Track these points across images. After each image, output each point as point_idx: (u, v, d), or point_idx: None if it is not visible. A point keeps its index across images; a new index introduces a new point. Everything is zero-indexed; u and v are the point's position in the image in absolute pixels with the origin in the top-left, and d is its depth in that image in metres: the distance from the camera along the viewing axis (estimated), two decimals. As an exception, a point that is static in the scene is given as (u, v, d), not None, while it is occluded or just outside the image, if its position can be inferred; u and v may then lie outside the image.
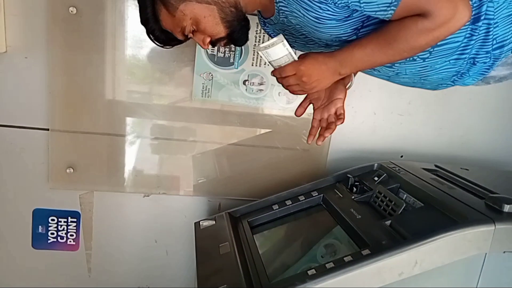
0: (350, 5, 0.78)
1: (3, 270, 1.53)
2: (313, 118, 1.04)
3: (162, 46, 0.98)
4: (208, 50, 1.38)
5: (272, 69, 0.94)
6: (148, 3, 0.89)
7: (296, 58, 0.90)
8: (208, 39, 0.92)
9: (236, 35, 0.93)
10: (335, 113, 1.02)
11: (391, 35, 0.80)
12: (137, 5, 0.92)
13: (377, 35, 0.82)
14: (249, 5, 0.91)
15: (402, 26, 0.78)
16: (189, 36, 0.93)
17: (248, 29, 0.96)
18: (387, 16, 0.79)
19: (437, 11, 0.75)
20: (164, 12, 0.89)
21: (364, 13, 0.80)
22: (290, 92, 0.94)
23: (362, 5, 0.77)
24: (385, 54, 0.82)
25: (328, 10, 0.80)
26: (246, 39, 0.96)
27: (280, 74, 0.91)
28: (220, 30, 0.90)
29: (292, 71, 0.89)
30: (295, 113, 1.05)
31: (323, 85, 0.91)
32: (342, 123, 1.00)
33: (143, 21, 0.92)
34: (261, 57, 0.91)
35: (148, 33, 0.94)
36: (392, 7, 0.76)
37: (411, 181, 1.17)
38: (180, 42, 0.97)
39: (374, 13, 0.79)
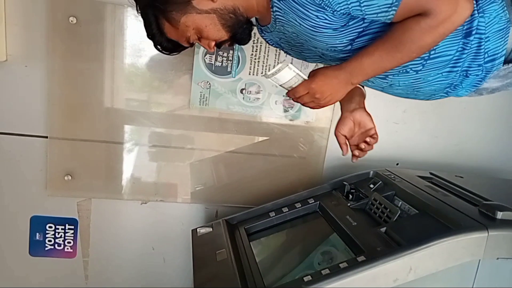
0: (351, 10, 0.79)
1: (0, 278, 1.52)
2: (341, 141, 1.04)
3: (169, 54, 1.01)
4: (206, 59, 1.41)
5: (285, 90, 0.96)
6: (152, 19, 0.91)
7: (305, 77, 0.91)
8: (213, 43, 0.94)
9: (239, 36, 0.95)
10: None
11: (396, 38, 0.81)
12: (136, 15, 0.94)
13: (383, 41, 0.83)
14: (248, 11, 0.93)
15: (405, 28, 0.79)
16: (194, 43, 0.96)
17: (251, 29, 0.98)
18: (388, 17, 0.79)
19: (437, 8, 0.75)
20: (167, 26, 0.91)
21: (366, 16, 0.80)
22: (310, 108, 0.96)
23: (363, 8, 0.78)
24: (393, 57, 0.83)
25: (326, 19, 0.82)
26: (249, 38, 0.98)
27: (293, 95, 0.93)
28: (223, 34, 0.93)
29: (304, 90, 0.91)
30: (342, 154, 1.05)
31: (337, 98, 0.92)
32: (376, 142, 1.02)
33: (150, 36, 0.95)
34: (271, 82, 0.94)
35: (155, 45, 0.97)
36: (393, 8, 0.77)
37: (406, 189, 1.18)
38: (187, 47, 0.99)
39: (375, 15, 0.79)
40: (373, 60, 0.84)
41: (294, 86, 0.93)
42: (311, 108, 0.96)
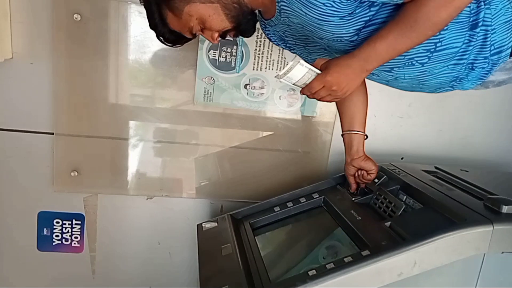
0: None
1: (9, 272, 1.54)
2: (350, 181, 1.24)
3: (172, 46, 1.00)
4: (209, 55, 1.40)
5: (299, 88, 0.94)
6: (154, 9, 0.90)
7: (318, 72, 0.89)
8: (216, 34, 0.93)
9: (243, 27, 0.94)
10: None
11: (410, 17, 0.78)
12: (140, 12, 0.94)
13: (396, 22, 0.80)
14: (252, 3, 0.92)
15: (419, 5, 0.77)
16: (197, 34, 0.95)
17: (255, 21, 0.96)
18: None
19: None
20: (170, 16, 0.90)
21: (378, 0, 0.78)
22: (327, 101, 0.95)
23: None
24: (409, 38, 0.81)
25: (332, 7, 0.80)
26: (253, 30, 0.97)
27: (309, 91, 0.91)
28: (226, 25, 0.91)
29: (319, 85, 0.88)
30: (350, 190, 1.26)
31: (354, 87, 0.90)
32: (371, 179, 1.21)
33: (152, 27, 0.94)
34: (284, 82, 0.92)
35: (157, 36, 0.96)
36: None
37: (411, 183, 1.17)
38: (190, 39, 0.98)
39: None
40: (387, 43, 0.82)
41: (307, 82, 0.90)
42: (328, 101, 0.95)
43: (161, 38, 0.96)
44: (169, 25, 0.92)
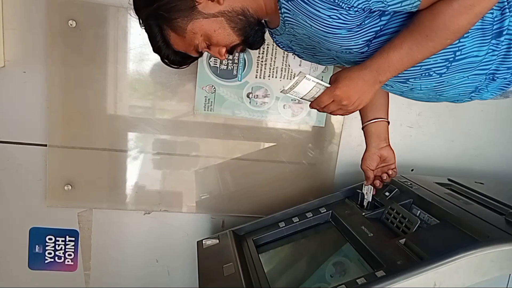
0: (370, 4, 0.73)
1: (-2, 292, 1.49)
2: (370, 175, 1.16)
3: (177, 68, 0.95)
4: (210, 63, 1.36)
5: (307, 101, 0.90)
6: (156, 31, 0.86)
7: (327, 85, 0.85)
8: (224, 50, 0.89)
9: (251, 39, 0.89)
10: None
11: (426, 26, 0.74)
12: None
13: (410, 31, 0.76)
14: (258, 13, 0.88)
15: (435, 13, 0.72)
16: (203, 52, 0.91)
17: (264, 32, 0.92)
18: (415, 4, 0.73)
19: None
20: (173, 36, 0.86)
21: (388, 8, 0.74)
22: (340, 115, 0.91)
23: (385, 0, 0.72)
24: (425, 48, 0.77)
25: (339, 19, 0.76)
26: (262, 41, 0.93)
27: (318, 105, 0.88)
28: (234, 39, 0.87)
29: (329, 99, 0.85)
30: (365, 184, 1.18)
31: (366, 100, 0.86)
32: (395, 176, 1.16)
33: (156, 50, 0.90)
34: (291, 96, 0.88)
35: (162, 59, 0.92)
36: None
37: (424, 196, 1.12)
38: (196, 58, 0.95)
39: (399, 5, 0.73)
40: (402, 53, 0.77)
41: (316, 96, 0.87)
42: (341, 115, 0.91)
43: (165, 60, 0.92)
44: (173, 46, 0.88)
